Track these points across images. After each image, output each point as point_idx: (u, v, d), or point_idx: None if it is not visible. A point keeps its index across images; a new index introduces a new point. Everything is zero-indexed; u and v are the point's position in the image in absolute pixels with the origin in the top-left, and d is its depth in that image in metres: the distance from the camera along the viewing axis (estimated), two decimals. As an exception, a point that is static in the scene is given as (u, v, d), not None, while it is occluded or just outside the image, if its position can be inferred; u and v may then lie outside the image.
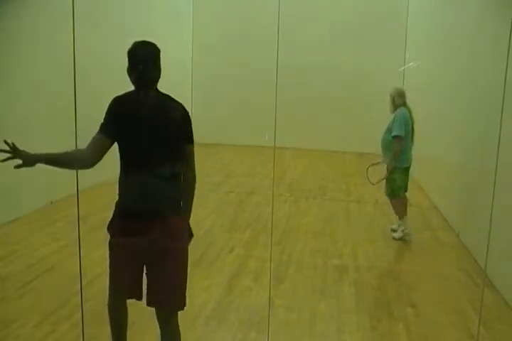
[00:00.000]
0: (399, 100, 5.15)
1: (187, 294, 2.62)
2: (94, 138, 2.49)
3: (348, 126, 10.26)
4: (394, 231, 5.45)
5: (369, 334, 3.45)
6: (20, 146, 2.24)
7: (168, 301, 2.52)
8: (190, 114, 2.57)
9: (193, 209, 2.72)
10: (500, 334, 3.48)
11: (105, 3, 7.28)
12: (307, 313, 3.68)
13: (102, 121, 2.59)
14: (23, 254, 4.55)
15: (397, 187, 5.23)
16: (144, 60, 2.52)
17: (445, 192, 6.36)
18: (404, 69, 10.08)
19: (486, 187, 4.15)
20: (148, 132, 2.43)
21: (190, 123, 2.56)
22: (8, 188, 5.34)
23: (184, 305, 2.55)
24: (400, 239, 5.28)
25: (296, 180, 8.16)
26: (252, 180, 8.00)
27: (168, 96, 2.59)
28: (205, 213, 6.03)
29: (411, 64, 9.62)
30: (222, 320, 3.56)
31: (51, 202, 6.05)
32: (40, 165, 2.36)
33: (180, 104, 2.56)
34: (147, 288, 2.55)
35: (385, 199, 5.68)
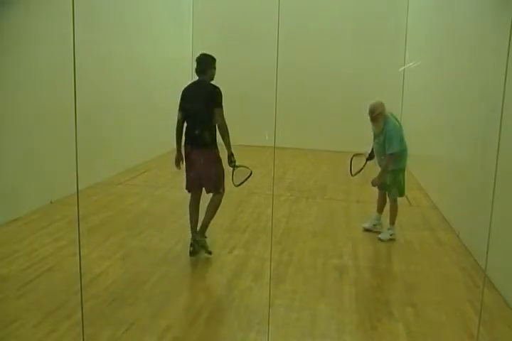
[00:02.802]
0: (385, 112, 5.09)
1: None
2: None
3: (348, 126, 10.25)
4: (367, 230, 5.54)
5: (369, 334, 3.45)
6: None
7: (214, 187, 4.63)
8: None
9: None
10: (500, 334, 3.48)
11: (105, 3, 7.28)
12: (307, 313, 3.68)
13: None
14: (23, 254, 4.55)
15: (403, 186, 5.35)
16: (200, 67, 4.55)
17: (445, 192, 6.36)
18: (404, 69, 10.08)
19: (486, 187, 4.15)
20: (198, 102, 4.45)
21: (220, 97, 4.51)
22: (8, 188, 5.34)
23: (221, 189, 4.66)
24: (386, 240, 5.30)
25: (296, 180, 8.16)
26: (251, 180, 7.97)
27: (211, 83, 4.55)
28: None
29: (411, 64, 9.62)
30: (222, 320, 3.56)
31: (51, 202, 6.05)
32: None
33: (217, 87, 4.52)
34: (205, 183, 4.62)
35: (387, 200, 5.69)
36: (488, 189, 3.60)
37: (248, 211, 6.26)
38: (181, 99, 4.54)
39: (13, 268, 4.26)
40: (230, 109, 11.46)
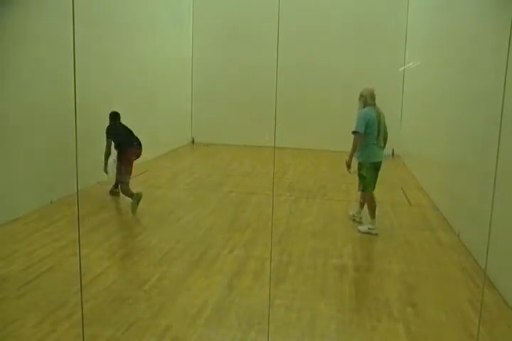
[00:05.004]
0: (370, 100, 5.43)
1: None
2: None
3: (348, 126, 10.19)
4: (353, 219, 5.79)
5: (369, 334, 3.45)
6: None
7: None
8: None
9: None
10: (501, 334, 3.48)
11: (105, 3, 7.28)
12: (307, 313, 3.68)
13: None
14: (23, 254, 4.55)
15: (366, 182, 5.50)
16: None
17: (445, 192, 6.36)
18: (404, 69, 10.08)
19: (486, 187, 4.15)
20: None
21: None
22: (9, 188, 5.34)
23: None
24: (366, 232, 5.44)
25: (296, 180, 8.16)
26: (252, 180, 8.00)
27: None
28: (205, 213, 6.03)
29: (411, 64, 9.62)
30: (222, 320, 3.56)
31: (51, 202, 6.05)
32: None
33: None
34: None
35: (386, 199, 5.70)
36: (488, 189, 3.61)
37: (248, 211, 6.26)
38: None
39: (13, 268, 4.26)
40: (230, 109, 11.51)
